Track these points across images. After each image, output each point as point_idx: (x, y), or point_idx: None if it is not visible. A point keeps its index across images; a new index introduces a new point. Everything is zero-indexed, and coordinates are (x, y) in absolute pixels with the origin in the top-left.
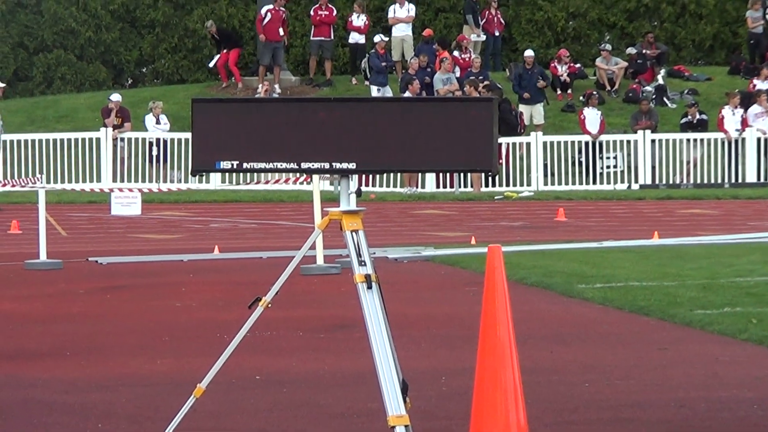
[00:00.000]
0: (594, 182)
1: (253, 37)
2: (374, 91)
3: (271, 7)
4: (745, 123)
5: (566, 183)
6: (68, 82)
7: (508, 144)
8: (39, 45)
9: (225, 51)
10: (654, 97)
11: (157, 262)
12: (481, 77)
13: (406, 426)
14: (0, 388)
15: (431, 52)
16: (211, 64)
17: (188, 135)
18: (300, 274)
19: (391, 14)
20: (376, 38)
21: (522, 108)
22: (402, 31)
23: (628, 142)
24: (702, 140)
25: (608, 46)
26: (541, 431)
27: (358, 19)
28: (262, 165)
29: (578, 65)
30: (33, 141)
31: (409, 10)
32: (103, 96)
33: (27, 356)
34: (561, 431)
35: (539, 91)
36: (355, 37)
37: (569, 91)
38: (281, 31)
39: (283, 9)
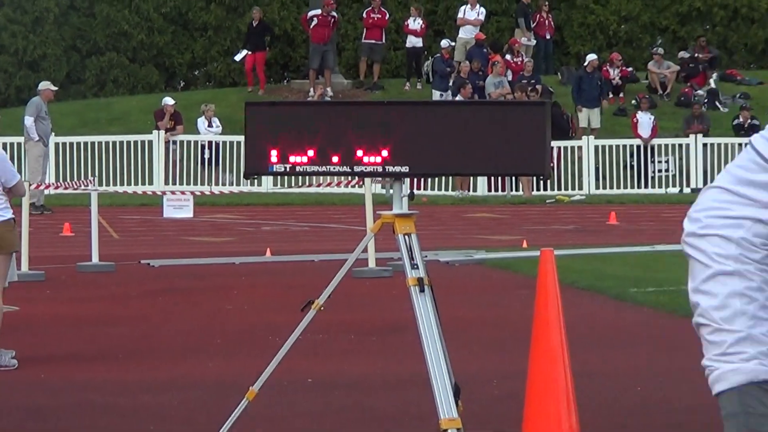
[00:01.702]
0: (646, 186)
1: (305, 39)
2: (436, 96)
3: (318, 12)
4: None
5: (618, 187)
6: (120, 85)
7: (559, 148)
8: (91, 48)
9: (250, 52)
10: (706, 101)
11: (209, 264)
12: (533, 81)
13: (458, 429)
14: (54, 390)
15: (483, 56)
16: (238, 58)
17: (240, 138)
18: (352, 277)
19: (460, 15)
20: (443, 43)
21: (584, 111)
22: (469, 34)
23: (680, 146)
24: None
25: (660, 50)
26: None
27: (414, 23)
28: (314, 168)
29: (630, 69)
30: (85, 143)
31: (479, 13)
32: (156, 99)
33: (80, 359)
34: None
35: (598, 96)
36: (413, 41)
37: (621, 94)
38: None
39: (334, 14)
